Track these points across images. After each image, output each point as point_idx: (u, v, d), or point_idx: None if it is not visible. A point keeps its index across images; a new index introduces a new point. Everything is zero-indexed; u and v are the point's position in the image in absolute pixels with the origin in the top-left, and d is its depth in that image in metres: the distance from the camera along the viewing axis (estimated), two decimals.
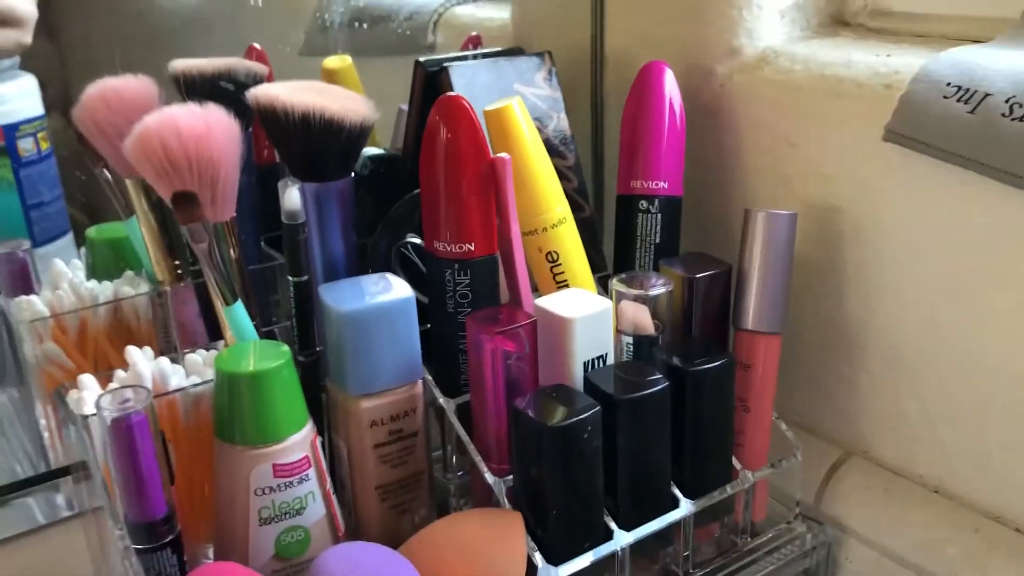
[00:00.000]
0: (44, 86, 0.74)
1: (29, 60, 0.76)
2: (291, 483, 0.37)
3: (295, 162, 0.41)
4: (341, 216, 0.42)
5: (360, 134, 0.41)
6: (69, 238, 0.77)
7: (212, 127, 0.39)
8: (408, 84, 0.51)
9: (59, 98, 0.59)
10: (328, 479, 0.39)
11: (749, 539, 0.45)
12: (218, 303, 0.39)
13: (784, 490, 0.47)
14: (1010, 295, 0.39)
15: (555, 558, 0.37)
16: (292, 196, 0.42)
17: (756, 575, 0.44)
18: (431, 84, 0.49)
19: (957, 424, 0.43)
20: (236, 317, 0.39)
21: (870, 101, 0.43)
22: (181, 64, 0.46)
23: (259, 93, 0.40)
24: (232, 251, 0.41)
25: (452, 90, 0.48)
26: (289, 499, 0.37)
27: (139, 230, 0.50)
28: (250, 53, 0.55)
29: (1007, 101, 0.37)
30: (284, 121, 0.39)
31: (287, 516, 0.38)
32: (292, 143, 0.40)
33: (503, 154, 0.39)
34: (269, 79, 0.50)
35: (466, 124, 0.39)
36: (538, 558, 0.37)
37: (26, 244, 0.55)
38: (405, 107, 0.54)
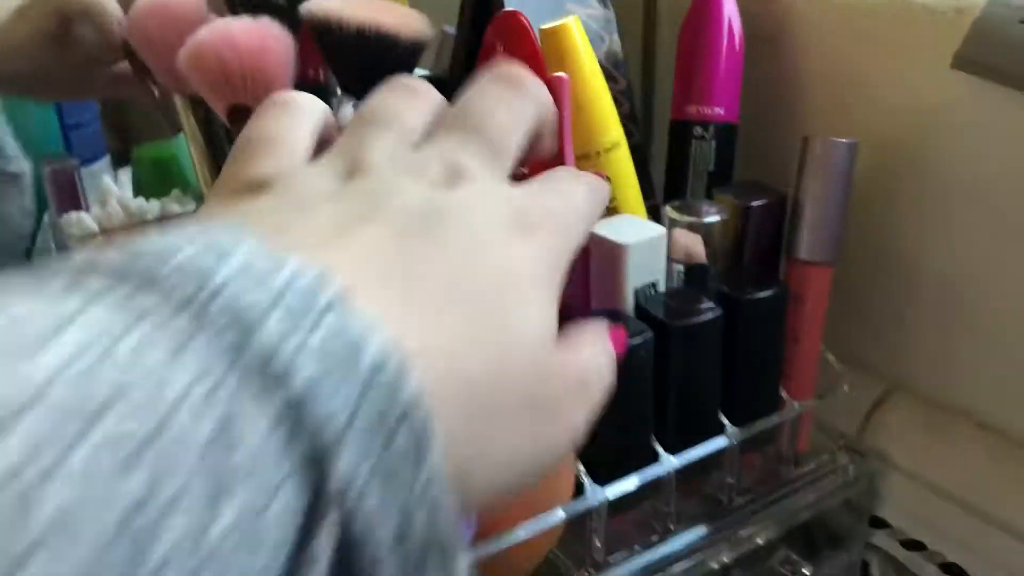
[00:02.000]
0: None
1: None
2: None
3: (349, 78, 0.41)
4: None
5: (415, 49, 0.40)
6: (106, 160, 0.77)
7: (267, 41, 0.38)
8: (452, 5, 0.50)
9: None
10: None
11: (793, 468, 0.46)
12: None
13: (828, 422, 0.47)
14: None
15: (602, 479, 0.38)
16: (347, 113, 0.41)
17: (798, 504, 0.44)
18: (484, 3, 0.48)
19: (1009, 359, 0.43)
20: None
21: (939, 26, 0.41)
22: None
23: (313, 6, 0.40)
24: None
25: (505, 7, 0.47)
26: None
27: (187, 147, 0.50)
28: None
29: None
30: (338, 35, 0.39)
31: None
32: (346, 58, 0.40)
33: (561, 73, 0.39)
34: None
35: (527, 43, 0.38)
36: (585, 479, 0.37)
37: (74, 161, 0.55)
38: (449, 29, 0.53)
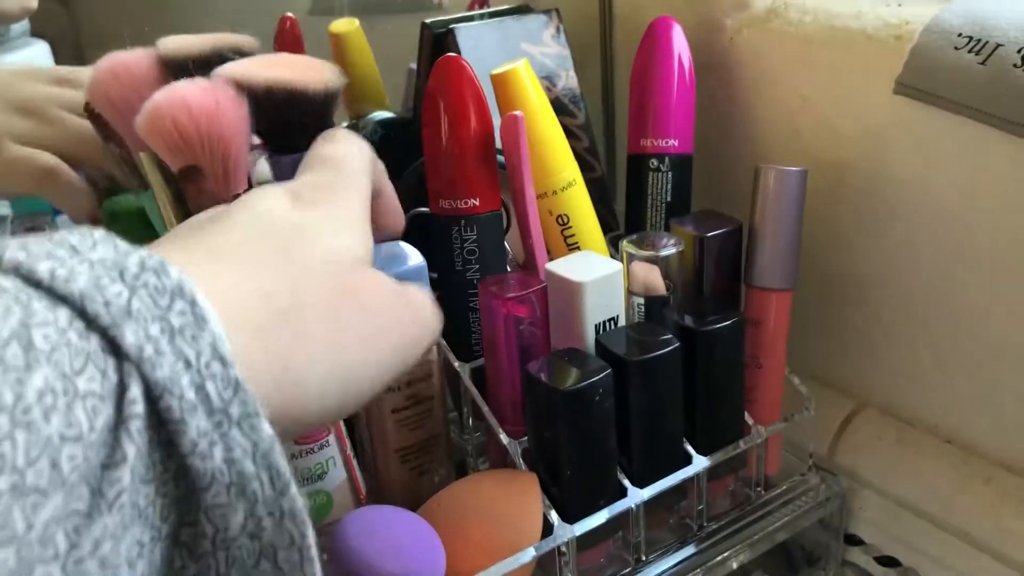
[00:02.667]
0: (56, 52, 0.74)
1: (41, 25, 0.76)
2: (312, 449, 0.38)
3: (269, 134, 0.42)
4: None
5: (326, 101, 0.41)
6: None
7: (222, 103, 0.39)
8: (417, 44, 0.51)
9: (73, 64, 0.59)
10: (348, 444, 0.40)
11: (763, 492, 0.46)
12: None
13: (798, 442, 0.48)
14: (1022, 247, 0.39)
15: (571, 516, 0.38)
16: (263, 167, 0.42)
17: (771, 527, 0.45)
18: (438, 46, 0.49)
19: (970, 374, 0.43)
20: None
21: (880, 53, 0.42)
22: (170, 44, 0.46)
23: (223, 70, 0.41)
24: None
25: (459, 52, 0.48)
26: (311, 465, 0.39)
27: (154, 202, 0.50)
28: (283, 23, 0.56)
29: (1019, 51, 0.37)
30: (250, 95, 0.40)
31: (309, 481, 0.39)
32: (260, 116, 0.40)
33: (516, 112, 0.40)
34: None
35: (464, 80, 0.39)
36: (554, 516, 0.38)
37: (48, 217, 0.56)
38: (414, 67, 0.54)
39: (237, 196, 0.40)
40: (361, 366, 0.26)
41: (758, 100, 0.49)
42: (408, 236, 0.46)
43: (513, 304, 0.38)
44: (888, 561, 0.47)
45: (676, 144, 0.47)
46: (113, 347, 0.19)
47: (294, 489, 0.21)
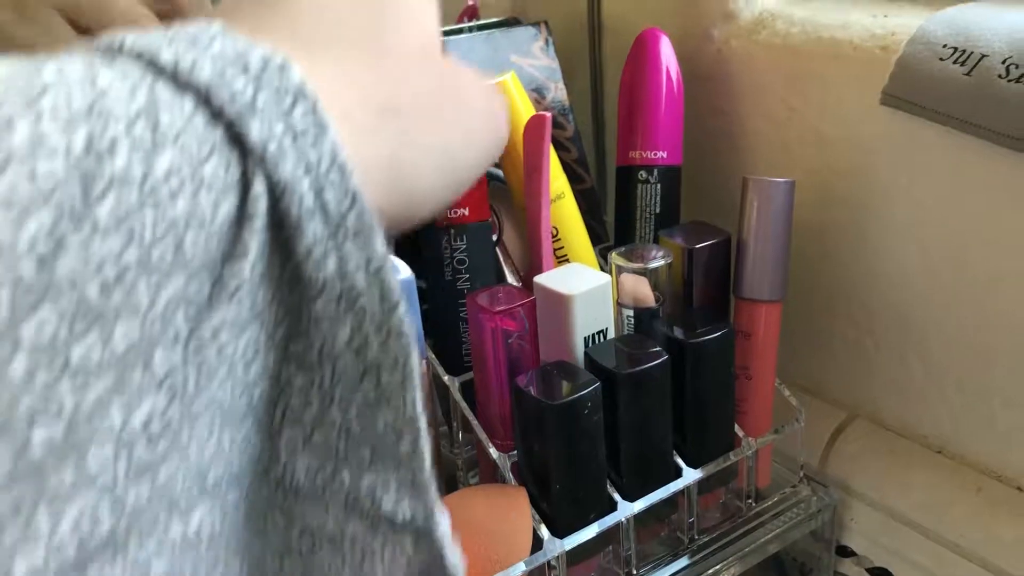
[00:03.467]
0: None
1: None
2: None
3: None
4: None
5: None
6: None
7: None
8: None
9: None
10: None
11: (754, 504, 0.46)
12: None
13: (789, 454, 0.48)
14: (1010, 257, 0.39)
15: (560, 530, 0.38)
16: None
17: (762, 539, 0.45)
18: None
19: (960, 385, 0.43)
20: None
21: (867, 64, 0.42)
22: None
23: None
24: None
25: None
26: None
27: None
28: None
29: (1003, 62, 0.37)
30: None
31: None
32: None
33: (545, 112, 0.40)
34: None
35: None
36: (544, 531, 0.38)
37: None
38: None
39: None
40: (464, 159, 0.27)
41: (746, 111, 0.49)
42: (396, 248, 0.46)
43: (501, 318, 0.38)
44: (880, 572, 0.47)
45: (664, 156, 0.47)
46: (238, 140, 0.19)
47: (403, 309, 0.20)
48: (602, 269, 0.43)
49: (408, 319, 0.21)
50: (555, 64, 0.52)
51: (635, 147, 0.47)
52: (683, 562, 0.43)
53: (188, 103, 0.18)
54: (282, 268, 0.20)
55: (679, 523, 0.44)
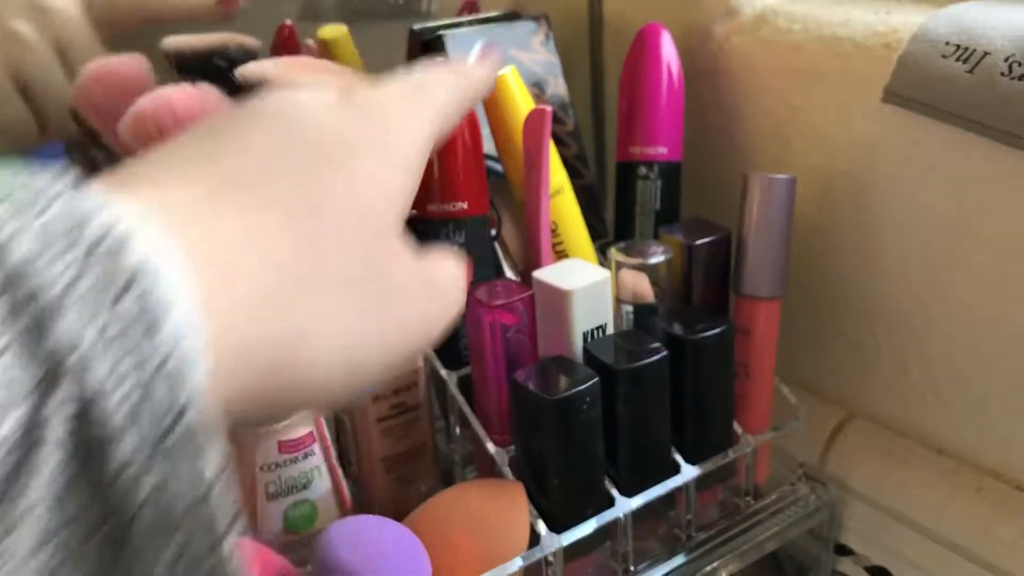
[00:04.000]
0: None
1: None
2: (296, 459, 0.38)
3: None
4: None
5: None
6: None
7: (206, 107, 0.39)
8: (405, 51, 0.51)
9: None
10: (333, 453, 0.40)
11: (752, 501, 0.46)
12: None
13: (787, 452, 0.47)
14: (1011, 256, 0.39)
15: (558, 526, 0.38)
16: None
17: (760, 537, 0.44)
18: (427, 52, 0.49)
19: (960, 384, 0.43)
20: None
21: (869, 61, 0.42)
22: (173, 41, 0.46)
23: (247, 71, 0.40)
24: None
25: (448, 58, 0.48)
26: (295, 474, 0.38)
27: None
28: (281, 31, 0.56)
29: (1006, 60, 0.37)
30: None
31: (294, 491, 0.38)
32: None
33: (545, 106, 0.39)
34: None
35: None
36: (541, 526, 0.38)
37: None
38: None
39: None
40: (377, 350, 0.22)
41: (747, 108, 0.49)
42: None
43: (500, 312, 0.38)
44: (878, 571, 0.47)
45: (665, 152, 0.47)
46: (42, 338, 0.16)
47: (231, 542, 0.17)
48: (601, 265, 0.43)
49: (235, 554, 0.18)
50: (555, 59, 0.52)
51: (635, 143, 0.47)
52: (680, 559, 0.43)
53: None
54: (88, 485, 0.16)
55: (677, 520, 0.43)
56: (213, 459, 0.17)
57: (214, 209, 0.19)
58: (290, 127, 0.22)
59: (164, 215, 0.18)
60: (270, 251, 0.20)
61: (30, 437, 0.15)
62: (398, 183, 0.23)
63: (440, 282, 0.25)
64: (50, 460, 0.15)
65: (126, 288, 0.16)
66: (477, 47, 0.34)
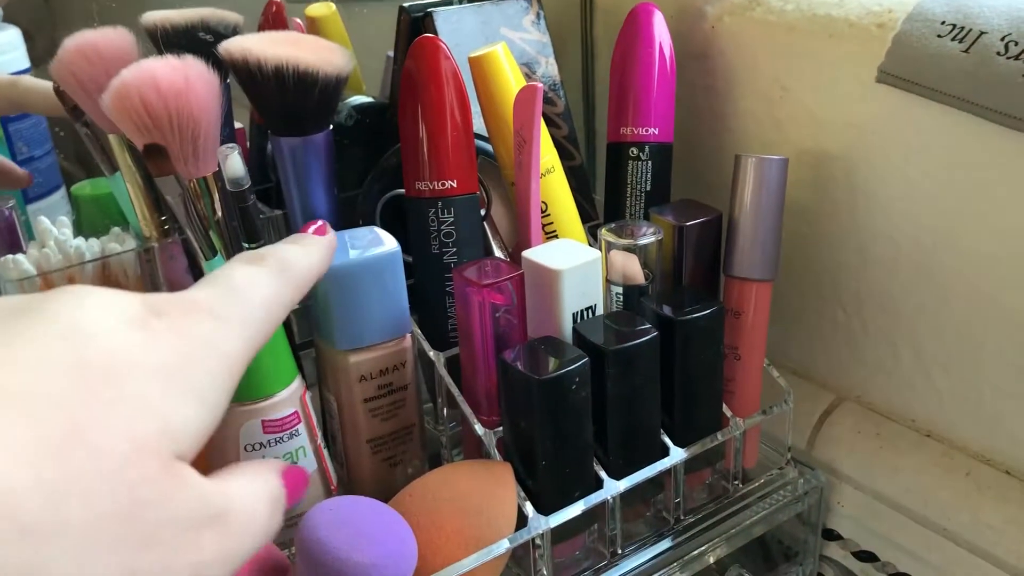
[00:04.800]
0: (31, 38, 0.73)
1: (14, 12, 0.75)
2: (281, 438, 0.38)
3: (272, 116, 0.40)
4: (321, 171, 0.41)
5: (336, 86, 0.40)
6: (61, 193, 0.76)
7: (191, 80, 0.38)
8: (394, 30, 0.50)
9: (48, 51, 0.58)
10: (319, 433, 0.39)
11: (740, 485, 0.46)
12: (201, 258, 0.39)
13: (776, 436, 0.47)
14: (1004, 239, 0.39)
15: (546, 508, 0.37)
16: (234, 163, 0.39)
17: (748, 520, 0.44)
18: (416, 30, 0.49)
19: (950, 368, 0.43)
20: None
21: (863, 41, 0.42)
22: (154, 16, 0.45)
23: (231, 46, 0.39)
24: (216, 205, 0.40)
25: (437, 35, 0.47)
26: (280, 454, 0.38)
27: (124, 186, 0.49)
28: (269, 8, 0.55)
29: (1002, 39, 0.36)
30: (257, 75, 0.39)
31: None
32: (266, 97, 0.39)
33: (536, 83, 0.39)
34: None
35: (441, 59, 0.38)
36: (529, 508, 0.37)
37: (11, 201, 0.55)
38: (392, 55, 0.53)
39: (204, 179, 0.39)
40: None
41: (739, 89, 0.48)
42: (383, 221, 0.45)
43: (488, 291, 0.37)
44: (866, 556, 0.47)
45: (656, 132, 0.46)
46: None
47: None
48: (591, 246, 0.42)
49: None
50: (546, 39, 0.51)
51: (626, 123, 0.46)
52: (668, 542, 0.42)
53: None
54: None
55: (665, 503, 0.43)
56: None
57: None
58: (66, 344, 0.19)
59: None
60: (5, 492, 0.17)
61: None
62: (181, 413, 0.20)
63: (230, 512, 0.22)
64: None
65: None
66: (314, 226, 0.31)
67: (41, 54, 0.69)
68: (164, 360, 0.20)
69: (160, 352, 0.20)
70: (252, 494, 0.23)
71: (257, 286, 0.25)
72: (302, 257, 0.28)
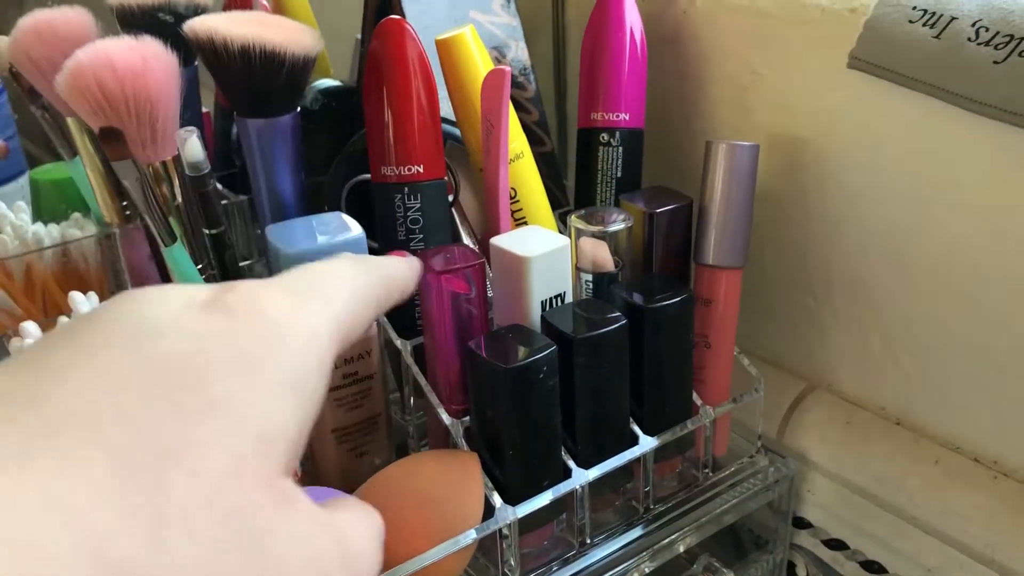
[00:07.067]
0: None
1: None
2: None
3: (237, 98, 0.40)
4: (288, 153, 0.40)
5: (303, 67, 0.39)
6: (26, 178, 0.75)
7: (149, 62, 0.37)
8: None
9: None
10: None
11: (711, 473, 0.45)
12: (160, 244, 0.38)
13: (747, 424, 0.47)
14: (973, 227, 0.39)
15: (513, 498, 0.37)
16: (193, 147, 0.38)
17: (718, 509, 0.44)
18: (383, 12, 0.48)
19: (919, 356, 0.43)
20: (175, 259, 0.38)
21: (835, 27, 0.41)
22: None
23: (197, 25, 0.38)
24: (176, 190, 0.39)
25: (404, 17, 0.46)
26: None
27: (83, 170, 0.48)
28: None
29: (973, 25, 0.36)
30: (223, 54, 0.38)
31: None
32: (232, 78, 0.39)
33: (504, 67, 0.38)
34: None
35: (407, 41, 0.37)
36: (496, 498, 0.37)
37: None
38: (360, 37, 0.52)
39: (164, 163, 0.38)
40: None
41: (711, 74, 0.48)
42: (348, 206, 0.44)
43: (448, 279, 0.37)
44: (836, 544, 0.47)
45: (627, 118, 0.46)
46: None
47: None
48: (561, 233, 0.41)
49: None
50: (516, 22, 0.51)
51: (597, 108, 0.46)
52: (638, 531, 0.42)
53: None
54: None
55: (635, 492, 0.43)
56: None
57: (23, 470, 0.14)
58: (132, 347, 0.16)
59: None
60: (88, 538, 0.14)
61: None
62: (278, 410, 0.18)
63: (352, 544, 0.20)
64: None
65: None
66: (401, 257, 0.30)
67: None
68: (245, 348, 0.17)
69: (239, 338, 0.17)
70: (367, 530, 0.21)
71: (334, 268, 0.22)
72: (382, 259, 0.26)
